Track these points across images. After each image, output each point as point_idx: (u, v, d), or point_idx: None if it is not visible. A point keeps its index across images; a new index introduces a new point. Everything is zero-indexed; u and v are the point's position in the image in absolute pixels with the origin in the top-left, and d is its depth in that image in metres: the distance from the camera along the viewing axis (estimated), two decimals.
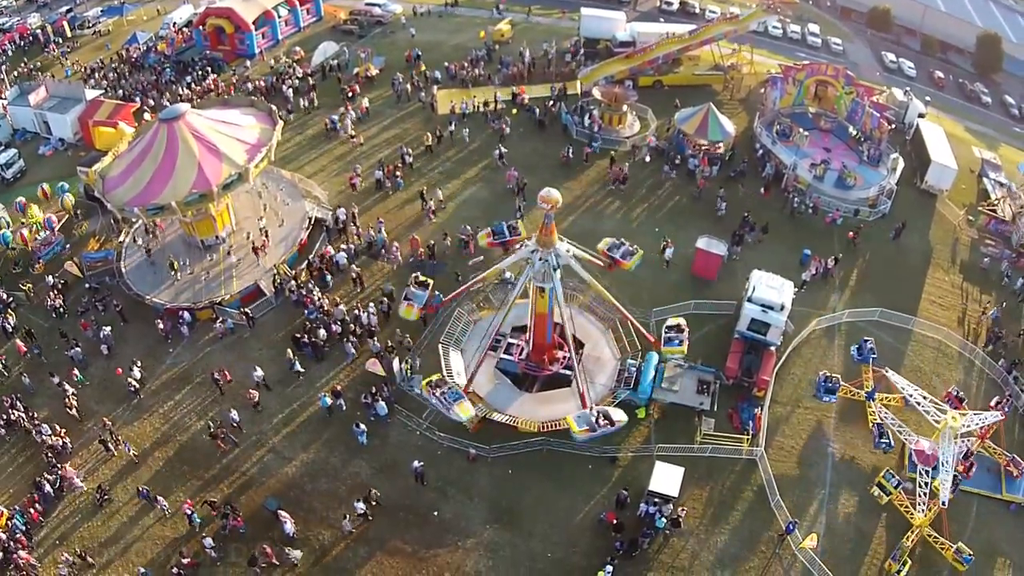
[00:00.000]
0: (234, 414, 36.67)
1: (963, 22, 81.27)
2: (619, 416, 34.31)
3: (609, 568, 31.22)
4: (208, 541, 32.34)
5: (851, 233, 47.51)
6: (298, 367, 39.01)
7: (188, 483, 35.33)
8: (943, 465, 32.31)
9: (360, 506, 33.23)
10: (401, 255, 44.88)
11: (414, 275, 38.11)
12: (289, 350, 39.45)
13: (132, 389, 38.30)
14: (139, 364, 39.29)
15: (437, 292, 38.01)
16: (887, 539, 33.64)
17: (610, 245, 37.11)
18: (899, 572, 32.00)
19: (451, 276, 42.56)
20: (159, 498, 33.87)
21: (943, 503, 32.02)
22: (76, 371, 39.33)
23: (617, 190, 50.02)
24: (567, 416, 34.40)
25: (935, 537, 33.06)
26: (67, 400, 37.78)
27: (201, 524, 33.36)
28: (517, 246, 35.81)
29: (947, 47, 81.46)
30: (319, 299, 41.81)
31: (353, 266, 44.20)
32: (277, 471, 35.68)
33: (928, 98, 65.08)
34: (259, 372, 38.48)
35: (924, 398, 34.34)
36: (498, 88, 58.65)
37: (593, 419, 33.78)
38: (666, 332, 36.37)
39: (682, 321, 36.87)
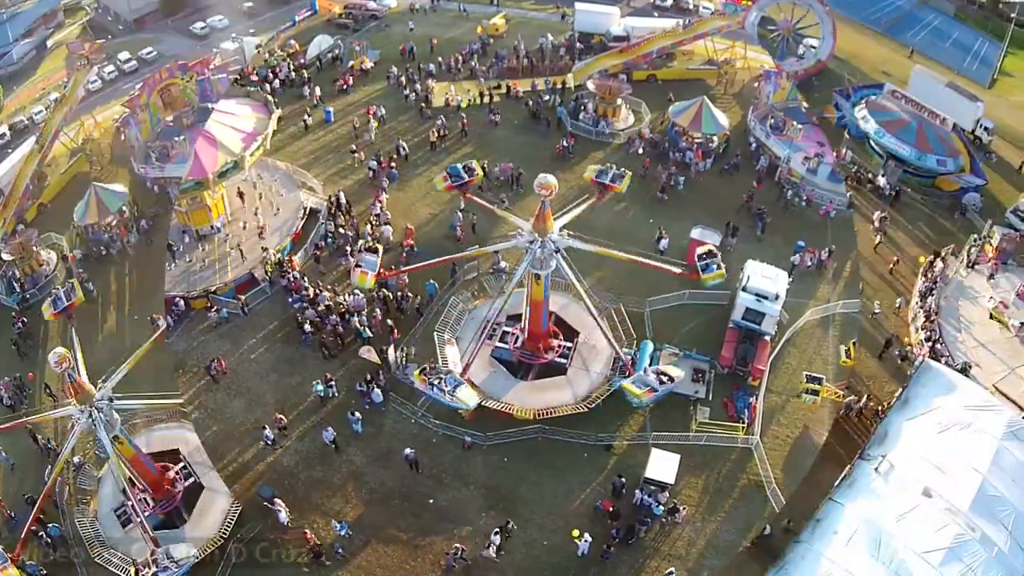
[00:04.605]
0: (267, 431, 35.85)
1: None
2: (676, 372, 34.33)
3: (587, 537, 31.41)
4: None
5: (745, 196, 48.11)
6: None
7: None
8: None
9: (496, 539, 31.86)
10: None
11: (361, 241, 36.75)
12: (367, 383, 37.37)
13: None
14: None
15: (433, 282, 37.81)
16: None
17: (597, 172, 36.48)
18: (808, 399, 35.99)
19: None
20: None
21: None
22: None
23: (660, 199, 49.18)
24: (624, 384, 34.03)
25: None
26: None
27: None
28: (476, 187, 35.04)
29: None
30: (307, 286, 41.53)
31: (349, 256, 44.10)
32: (270, 459, 35.58)
33: None
34: (330, 433, 35.70)
35: None
36: (485, 84, 58.71)
37: (653, 379, 33.57)
38: (700, 260, 35.31)
39: (712, 246, 36.54)
